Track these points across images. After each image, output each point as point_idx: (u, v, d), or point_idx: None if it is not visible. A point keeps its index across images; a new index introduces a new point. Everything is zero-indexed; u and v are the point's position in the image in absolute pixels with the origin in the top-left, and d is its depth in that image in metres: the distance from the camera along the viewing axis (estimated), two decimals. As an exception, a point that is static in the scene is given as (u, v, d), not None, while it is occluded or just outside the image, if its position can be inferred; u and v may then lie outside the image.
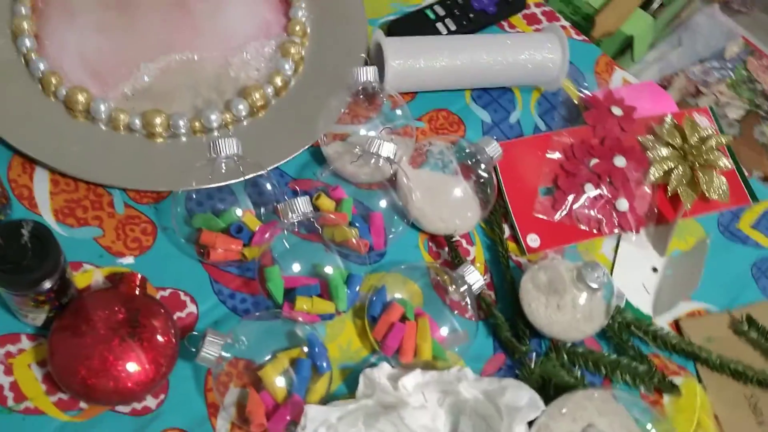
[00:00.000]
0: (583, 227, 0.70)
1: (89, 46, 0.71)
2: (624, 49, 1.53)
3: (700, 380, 0.65)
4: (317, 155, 0.70)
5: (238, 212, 0.64)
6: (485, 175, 0.69)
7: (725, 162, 0.72)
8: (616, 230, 0.70)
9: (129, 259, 0.63)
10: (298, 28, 0.76)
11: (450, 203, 0.68)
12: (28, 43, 0.69)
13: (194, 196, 0.64)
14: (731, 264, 0.72)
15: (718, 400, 0.64)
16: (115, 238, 0.63)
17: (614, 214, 0.70)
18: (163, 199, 0.65)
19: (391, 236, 0.67)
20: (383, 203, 0.67)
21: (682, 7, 1.78)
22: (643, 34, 1.52)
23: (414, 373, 0.59)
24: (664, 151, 0.72)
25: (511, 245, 0.69)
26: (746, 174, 0.75)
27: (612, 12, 1.45)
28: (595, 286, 0.61)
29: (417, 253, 0.68)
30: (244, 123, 0.70)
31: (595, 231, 0.70)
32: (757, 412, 0.64)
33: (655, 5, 1.56)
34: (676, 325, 0.68)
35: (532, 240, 0.69)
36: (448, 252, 0.68)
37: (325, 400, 0.58)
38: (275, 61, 0.74)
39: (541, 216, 0.70)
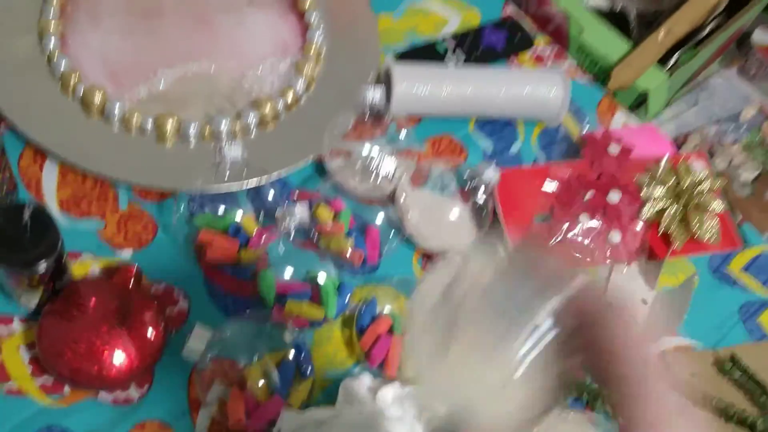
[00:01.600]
0: (576, 255, 0.71)
1: (111, 49, 0.74)
2: (639, 103, 1.55)
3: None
4: (321, 169, 0.72)
5: (238, 215, 0.66)
6: (482, 199, 0.70)
7: (718, 205, 0.74)
8: (608, 261, 0.71)
9: (127, 252, 0.64)
10: (313, 49, 0.79)
11: (446, 223, 0.70)
12: (52, 41, 0.72)
13: (197, 198, 0.66)
14: (720, 304, 0.73)
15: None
16: (116, 231, 0.65)
17: (607, 246, 0.71)
18: (166, 199, 0.67)
19: (385, 250, 0.68)
20: (380, 218, 0.69)
21: (700, 68, 1.81)
22: (658, 91, 1.54)
23: (393, 385, 0.60)
24: (659, 191, 0.73)
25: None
26: (739, 218, 0.76)
27: (628, 67, 1.48)
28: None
29: (410, 268, 0.69)
30: (253, 133, 0.73)
31: (588, 259, 0.71)
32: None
33: (672, 63, 1.59)
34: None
35: (524, 266, 0.70)
36: (441, 271, 0.69)
37: (306, 405, 0.59)
38: (289, 77, 0.77)
39: (534, 243, 0.71)
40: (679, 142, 1.91)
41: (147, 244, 0.65)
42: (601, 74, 1.52)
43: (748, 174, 1.91)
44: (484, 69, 0.80)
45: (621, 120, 0.84)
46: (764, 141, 1.98)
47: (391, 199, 0.70)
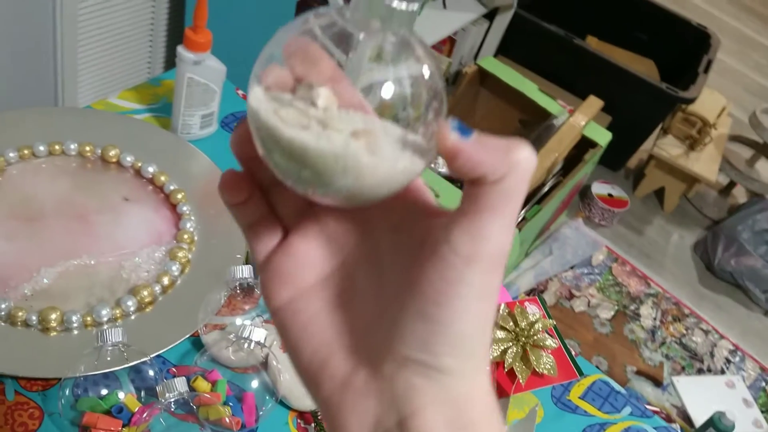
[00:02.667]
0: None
1: (-5, 253, 0.80)
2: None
3: None
4: (197, 343, 0.79)
5: (121, 395, 0.71)
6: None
7: (551, 342, 0.85)
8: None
9: (15, 442, 0.68)
10: (186, 236, 0.88)
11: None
12: (-62, 251, 0.78)
13: (81, 382, 0.71)
14: (564, 430, 0.82)
15: None
16: (3, 423, 0.69)
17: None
18: (51, 387, 0.72)
19: (262, 413, 0.74)
20: (255, 383, 0.76)
21: (548, 221, 2.01)
22: (512, 245, 1.71)
23: None
24: (500, 334, 0.84)
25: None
26: (572, 353, 0.87)
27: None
28: None
29: (286, 429, 0.76)
30: (132, 317, 0.79)
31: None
32: None
33: (519, 219, 1.78)
34: (519, 487, 0.77)
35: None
36: (315, 427, 0.76)
37: None
38: (164, 263, 0.85)
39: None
40: (539, 289, 2.08)
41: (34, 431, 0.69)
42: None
43: (606, 313, 2.10)
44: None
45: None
46: (616, 281, 2.18)
47: (264, 365, 0.77)
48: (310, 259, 0.36)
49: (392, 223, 0.35)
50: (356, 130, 0.30)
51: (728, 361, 2.06)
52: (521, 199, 0.30)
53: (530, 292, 2.05)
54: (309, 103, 0.30)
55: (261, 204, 0.36)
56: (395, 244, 0.34)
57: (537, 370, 0.83)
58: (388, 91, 0.30)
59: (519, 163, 0.29)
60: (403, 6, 0.31)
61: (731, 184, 2.63)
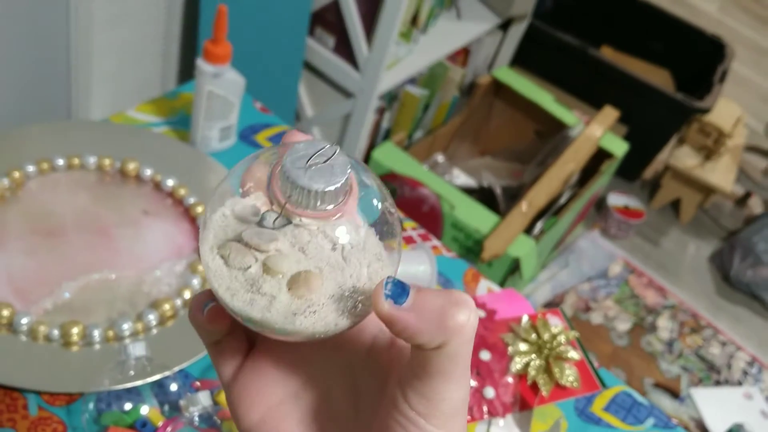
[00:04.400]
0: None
1: (16, 267, 0.80)
2: (514, 269, 1.70)
3: None
4: (219, 358, 0.78)
5: (144, 409, 0.71)
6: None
7: (574, 354, 0.84)
8: (486, 416, 0.79)
9: (38, 457, 0.68)
10: (206, 249, 0.88)
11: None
12: (-39, 265, 0.78)
13: (104, 396, 0.71)
14: (589, 444, 0.81)
15: None
16: (27, 437, 0.69)
17: (483, 401, 0.80)
18: (75, 401, 0.72)
19: (283, 428, 0.74)
20: (277, 398, 0.75)
21: (564, 233, 2.00)
22: (529, 256, 1.71)
23: None
24: (523, 346, 0.83)
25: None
26: (595, 364, 0.86)
27: (497, 237, 1.64)
28: None
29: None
30: (154, 331, 0.79)
31: (468, 417, 0.79)
32: None
33: (536, 231, 1.77)
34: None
35: (412, 428, 0.77)
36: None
37: None
38: (185, 277, 0.85)
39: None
40: (556, 302, 2.07)
41: (56, 447, 0.69)
42: (476, 246, 1.68)
43: (623, 325, 2.08)
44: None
45: (485, 286, 0.95)
46: (633, 293, 2.17)
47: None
48: (280, 375, 0.34)
49: (361, 343, 0.34)
50: (299, 296, 0.31)
51: (745, 372, 2.04)
52: (468, 359, 0.30)
53: (547, 305, 2.04)
54: (255, 270, 0.31)
55: (228, 320, 0.34)
56: (368, 366, 0.34)
57: (560, 382, 0.82)
58: (324, 261, 0.31)
59: (457, 329, 0.29)
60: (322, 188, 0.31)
61: (747, 195, 2.61)
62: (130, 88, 1.72)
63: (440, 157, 2.10)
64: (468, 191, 1.82)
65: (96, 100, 1.66)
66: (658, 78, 2.48)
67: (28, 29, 1.43)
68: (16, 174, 0.89)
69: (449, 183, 1.79)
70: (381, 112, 1.90)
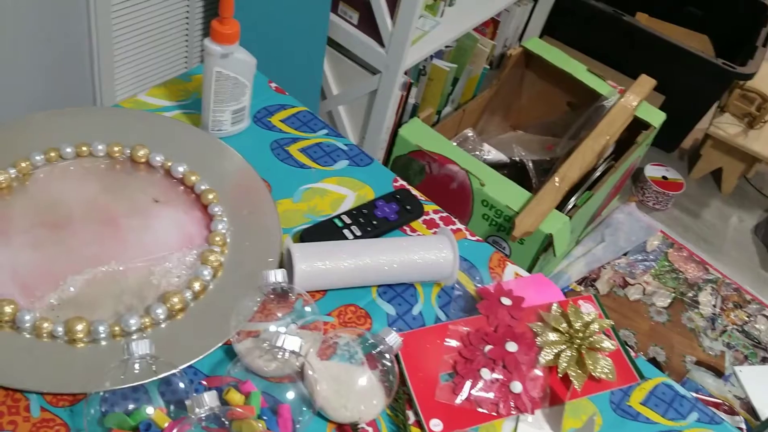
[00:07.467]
0: (482, 410, 0.74)
1: (21, 262, 0.77)
2: (546, 246, 1.64)
3: None
4: (230, 352, 0.75)
5: (149, 410, 0.67)
6: (388, 363, 0.74)
7: (609, 344, 0.79)
8: (513, 411, 0.75)
9: (40, 462, 0.65)
10: (218, 239, 0.84)
11: (356, 392, 0.73)
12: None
13: (108, 397, 0.68)
14: (626, 440, 0.76)
15: None
16: (30, 441, 0.66)
17: (510, 396, 0.75)
18: (78, 402, 0.69)
19: (298, 426, 0.70)
20: (291, 395, 0.71)
21: (599, 207, 1.94)
22: (562, 232, 1.64)
23: None
24: (552, 336, 0.78)
25: (416, 430, 0.73)
26: (632, 354, 0.81)
27: (529, 214, 1.58)
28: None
29: (324, 442, 0.71)
30: (163, 326, 0.76)
31: (494, 414, 0.74)
32: None
33: (570, 206, 1.71)
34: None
35: (435, 425, 0.73)
36: (355, 440, 0.71)
37: None
38: (195, 268, 0.81)
39: (443, 401, 0.74)
40: (592, 278, 2.00)
41: (60, 450, 0.66)
42: (506, 224, 1.62)
43: (662, 301, 2.01)
44: (380, 240, 0.86)
45: (512, 271, 0.90)
46: (672, 267, 2.09)
47: (300, 374, 0.72)
48: None
49: None
50: None
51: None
52: None
53: (582, 281, 1.97)
54: None
55: None
56: None
57: (594, 374, 0.77)
58: None
59: None
60: None
61: (793, 163, 2.50)
62: (154, 71, 1.69)
63: (470, 133, 2.04)
64: (498, 167, 1.76)
65: (120, 84, 1.64)
66: (697, 44, 2.37)
67: (48, 17, 1.40)
68: (24, 164, 0.86)
69: (479, 159, 1.73)
70: (408, 87, 1.84)
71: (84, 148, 0.90)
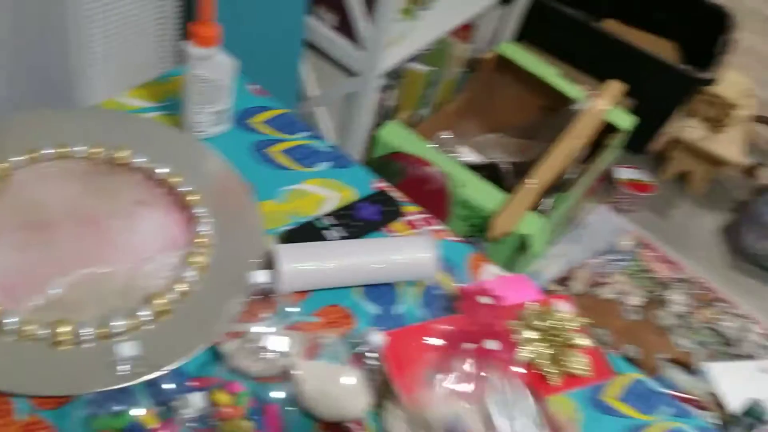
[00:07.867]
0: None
1: (4, 264, 0.77)
2: (522, 247, 1.67)
3: None
4: (217, 353, 0.76)
5: (136, 412, 0.68)
6: (373, 362, 0.75)
7: (585, 341, 0.81)
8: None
9: (28, 463, 0.65)
10: (202, 240, 0.85)
11: (342, 391, 0.74)
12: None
13: (95, 399, 0.68)
14: (607, 433, 0.78)
15: None
16: (16, 443, 0.66)
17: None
18: (65, 404, 0.69)
19: (286, 426, 0.71)
20: (279, 395, 0.72)
21: (573, 208, 1.97)
22: (538, 233, 1.67)
23: None
24: (529, 334, 0.80)
25: (400, 428, 0.74)
26: (609, 351, 0.83)
27: (505, 215, 1.60)
28: None
29: (311, 441, 0.72)
30: (148, 327, 0.76)
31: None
32: None
33: (546, 207, 1.73)
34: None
35: (419, 422, 0.74)
36: (341, 438, 0.72)
37: None
38: (180, 269, 0.82)
39: (426, 397, 0.76)
40: (567, 277, 2.03)
41: (47, 452, 0.66)
42: (484, 224, 1.64)
43: (635, 300, 2.04)
44: (363, 241, 0.87)
45: (492, 271, 0.92)
46: (644, 267, 2.13)
47: (287, 374, 0.73)
48: None
49: None
50: None
51: (761, 346, 2.01)
52: None
53: (557, 281, 2.00)
54: None
55: None
56: None
57: (569, 371, 0.79)
58: None
59: None
60: None
61: (757, 166, 2.56)
62: (131, 71, 1.68)
63: (447, 135, 2.06)
64: (475, 168, 1.78)
65: (96, 84, 1.62)
66: (664, 50, 2.42)
67: (22, 18, 1.39)
68: (3, 165, 0.86)
69: (456, 161, 1.75)
70: (385, 90, 1.85)
71: (65, 150, 0.90)
